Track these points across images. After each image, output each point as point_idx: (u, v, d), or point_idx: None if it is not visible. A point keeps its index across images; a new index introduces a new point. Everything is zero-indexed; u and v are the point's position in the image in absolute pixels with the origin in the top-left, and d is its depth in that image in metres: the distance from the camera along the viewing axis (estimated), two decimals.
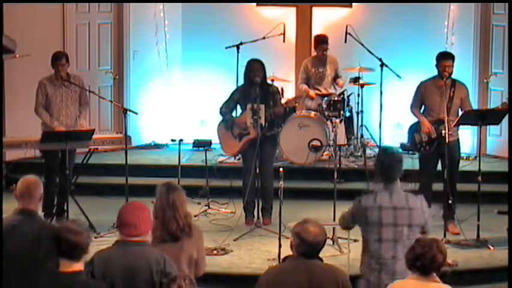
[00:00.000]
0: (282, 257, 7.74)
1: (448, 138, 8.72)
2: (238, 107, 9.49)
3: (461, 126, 9.06)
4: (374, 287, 5.86)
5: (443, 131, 8.75)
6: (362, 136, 11.53)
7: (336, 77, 11.54)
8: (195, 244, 5.67)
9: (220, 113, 9.46)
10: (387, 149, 6.22)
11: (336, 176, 8.65)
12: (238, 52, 11.40)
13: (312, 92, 11.29)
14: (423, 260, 4.77)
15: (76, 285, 4.69)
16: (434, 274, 4.81)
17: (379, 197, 5.86)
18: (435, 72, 9.00)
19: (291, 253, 5.16)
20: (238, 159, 10.90)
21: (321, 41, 11.38)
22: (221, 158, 11.25)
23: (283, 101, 9.93)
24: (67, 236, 4.68)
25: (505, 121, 9.57)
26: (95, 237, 8.72)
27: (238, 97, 9.38)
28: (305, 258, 5.06)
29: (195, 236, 5.69)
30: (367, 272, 5.92)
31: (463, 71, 10.62)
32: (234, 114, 9.55)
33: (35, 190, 5.74)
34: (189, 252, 5.63)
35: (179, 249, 5.56)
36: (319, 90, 11.37)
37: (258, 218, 9.16)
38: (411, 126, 9.21)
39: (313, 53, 11.66)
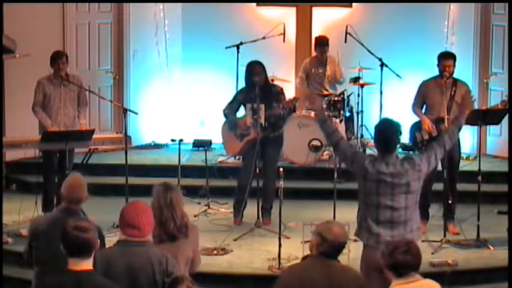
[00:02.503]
0: (281, 256, 7.77)
1: None
2: (242, 108, 9.48)
3: None
4: (372, 250, 5.88)
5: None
6: (362, 136, 11.52)
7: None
8: (191, 244, 5.68)
9: (224, 114, 9.46)
10: (385, 120, 6.42)
11: (336, 176, 8.64)
12: (238, 52, 11.40)
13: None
14: (402, 267, 4.75)
15: (88, 284, 4.58)
16: (416, 274, 4.80)
17: (377, 164, 5.95)
18: (435, 72, 9.00)
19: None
20: (238, 159, 10.91)
21: (321, 43, 11.45)
22: (221, 158, 11.25)
23: None
24: (76, 234, 4.57)
25: (505, 121, 9.57)
26: None
27: (242, 98, 9.37)
28: (325, 258, 5.05)
29: (192, 236, 5.69)
30: (366, 235, 5.95)
31: (463, 71, 10.60)
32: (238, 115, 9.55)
33: (80, 192, 5.86)
34: (186, 252, 5.63)
35: (176, 249, 5.55)
36: (320, 91, 11.38)
37: (258, 218, 9.15)
38: (412, 126, 9.20)
39: (314, 53, 11.69)
